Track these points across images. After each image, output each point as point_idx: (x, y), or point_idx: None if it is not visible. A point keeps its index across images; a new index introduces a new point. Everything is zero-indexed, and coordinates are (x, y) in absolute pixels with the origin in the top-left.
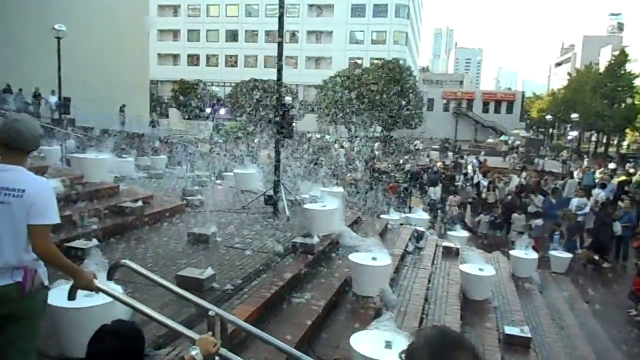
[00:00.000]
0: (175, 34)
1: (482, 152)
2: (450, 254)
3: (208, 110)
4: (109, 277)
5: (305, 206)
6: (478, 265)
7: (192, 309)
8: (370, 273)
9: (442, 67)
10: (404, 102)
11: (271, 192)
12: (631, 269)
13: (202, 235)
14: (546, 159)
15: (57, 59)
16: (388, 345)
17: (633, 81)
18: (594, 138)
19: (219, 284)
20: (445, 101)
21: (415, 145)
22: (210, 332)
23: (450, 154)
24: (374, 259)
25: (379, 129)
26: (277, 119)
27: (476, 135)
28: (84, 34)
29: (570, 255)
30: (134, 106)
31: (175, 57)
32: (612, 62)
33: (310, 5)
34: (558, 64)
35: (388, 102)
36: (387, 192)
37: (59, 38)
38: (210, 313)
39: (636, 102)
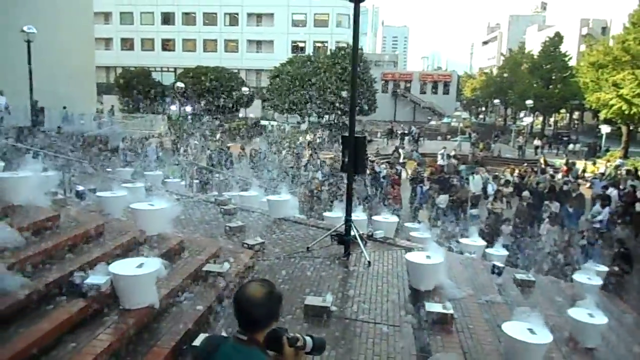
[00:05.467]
0: (107, 16)
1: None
2: (525, 286)
3: (166, 100)
4: None
5: (407, 257)
6: (585, 309)
7: None
8: (530, 351)
9: (370, 46)
10: (361, 89)
11: (341, 230)
12: None
13: (321, 307)
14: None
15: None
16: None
17: (567, 62)
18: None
19: None
20: (383, 82)
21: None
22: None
23: (406, 139)
24: (531, 331)
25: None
26: (347, 146)
27: (414, 117)
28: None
29: (606, 268)
30: (81, 99)
31: (108, 41)
32: (547, 43)
33: None
34: (485, 42)
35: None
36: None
37: (28, 41)
38: None
39: (571, 82)
